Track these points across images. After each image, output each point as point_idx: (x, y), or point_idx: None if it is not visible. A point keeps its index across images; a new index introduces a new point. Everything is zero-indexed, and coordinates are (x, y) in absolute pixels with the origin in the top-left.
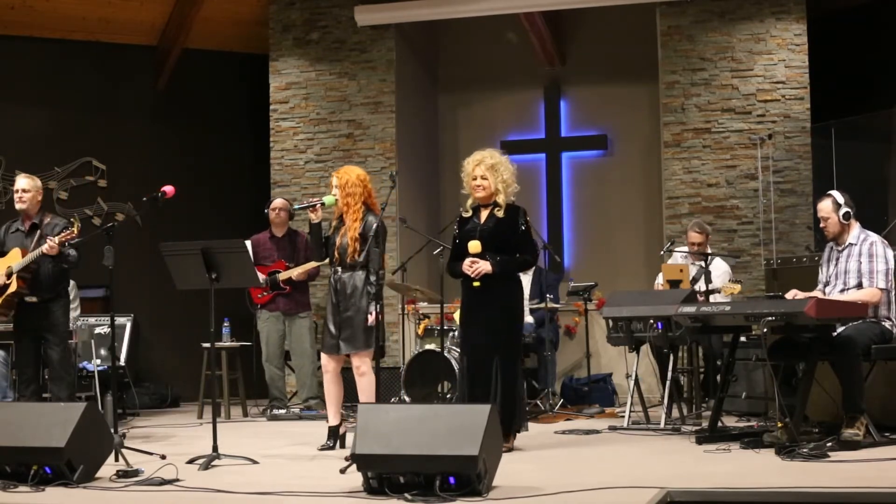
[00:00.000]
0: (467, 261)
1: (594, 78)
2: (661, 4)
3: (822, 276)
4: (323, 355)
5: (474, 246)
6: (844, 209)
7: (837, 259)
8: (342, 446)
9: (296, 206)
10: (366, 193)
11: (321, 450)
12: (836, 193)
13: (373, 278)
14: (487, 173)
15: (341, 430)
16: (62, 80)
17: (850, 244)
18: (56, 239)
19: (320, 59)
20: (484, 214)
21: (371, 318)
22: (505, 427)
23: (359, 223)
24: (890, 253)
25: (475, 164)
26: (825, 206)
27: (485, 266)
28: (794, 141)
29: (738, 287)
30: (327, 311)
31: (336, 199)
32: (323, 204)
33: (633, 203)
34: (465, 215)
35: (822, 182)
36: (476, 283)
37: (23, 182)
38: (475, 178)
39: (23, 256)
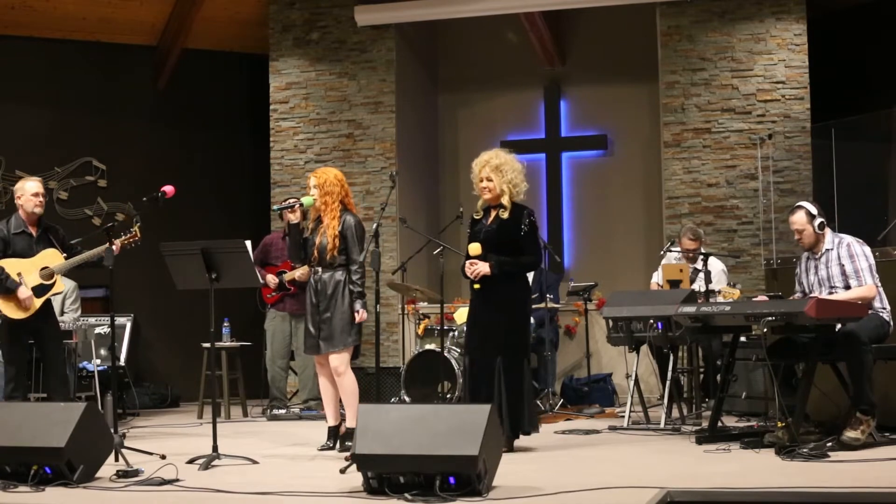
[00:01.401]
0: (467, 262)
1: (594, 78)
2: (661, 4)
3: (798, 287)
4: (316, 357)
5: (474, 248)
6: (818, 219)
7: (816, 267)
8: (342, 446)
9: (275, 208)
10: (343, 193)
11: (321, 450)
12: (807, 205)
13: (355, 277)
14: (492, 174)
15: (341, 431)
16: (62, 80)
17: (828, 250)
18: (118, 242)
19: (320, 59)
20: (492, 216)
21: (359, 316)
22: (512, 429)
23: (337, 221)
24: (867, 249)
25: (481, 165)
26: (799, 219)
27: (482, 267)
28: (794, 141)
29: (737, 293)
30: (307, 312)
31: (314, 200)
32: (301, 204)
33: (633, 203)
34: (476, 217)
35: (822, 182)
36: (476, 286)
37: (39, 186)
38: (481, 181)
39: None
